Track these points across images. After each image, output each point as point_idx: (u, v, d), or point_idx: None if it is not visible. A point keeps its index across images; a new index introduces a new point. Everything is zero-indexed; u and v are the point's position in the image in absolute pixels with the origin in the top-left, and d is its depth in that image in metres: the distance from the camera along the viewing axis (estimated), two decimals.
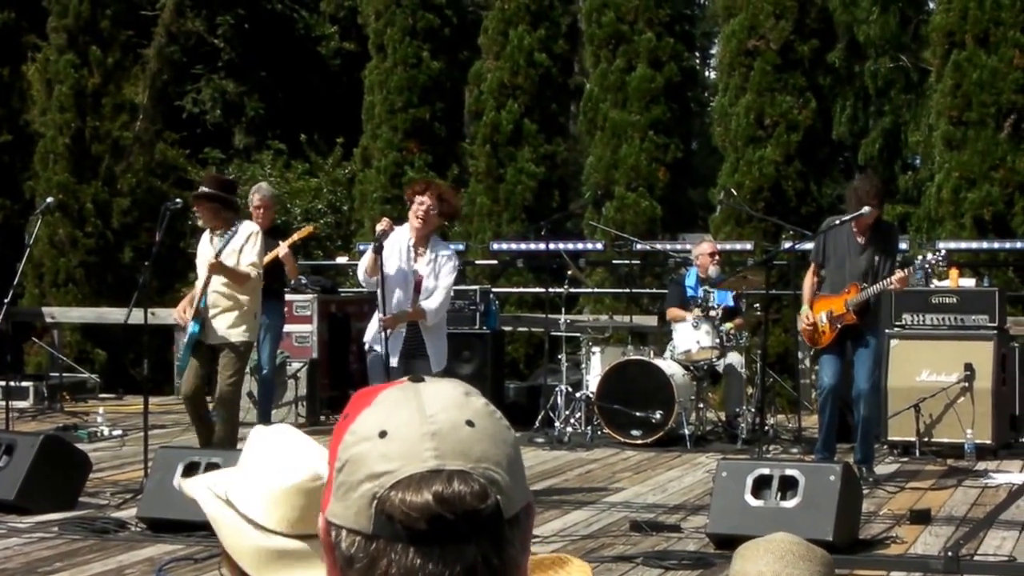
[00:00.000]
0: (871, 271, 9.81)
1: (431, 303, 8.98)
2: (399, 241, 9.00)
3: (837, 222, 9.87)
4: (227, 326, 9.57)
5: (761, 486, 7.74)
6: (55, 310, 16.00)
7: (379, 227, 8.91)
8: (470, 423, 1.40)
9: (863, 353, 9.87)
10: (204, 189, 9.67)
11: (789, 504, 7.62)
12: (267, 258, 10.57)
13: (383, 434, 1.38)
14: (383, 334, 8.85)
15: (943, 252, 10.19)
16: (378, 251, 8.80)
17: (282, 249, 11.40)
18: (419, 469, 1.36)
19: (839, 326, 9.85)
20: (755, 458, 9.11)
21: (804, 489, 7.61)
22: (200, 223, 9.71)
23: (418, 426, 1.38)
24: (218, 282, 9.56)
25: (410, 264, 9.03)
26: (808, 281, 10.16)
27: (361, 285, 9.51)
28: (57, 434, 10.73)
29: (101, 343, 15.72)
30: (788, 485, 7.69)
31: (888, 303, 11.32)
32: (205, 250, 9.72)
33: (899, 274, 9.65)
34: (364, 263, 8.97)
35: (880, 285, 9.74)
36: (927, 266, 10.09)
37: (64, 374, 15.28)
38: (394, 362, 8.90)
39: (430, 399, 1.41)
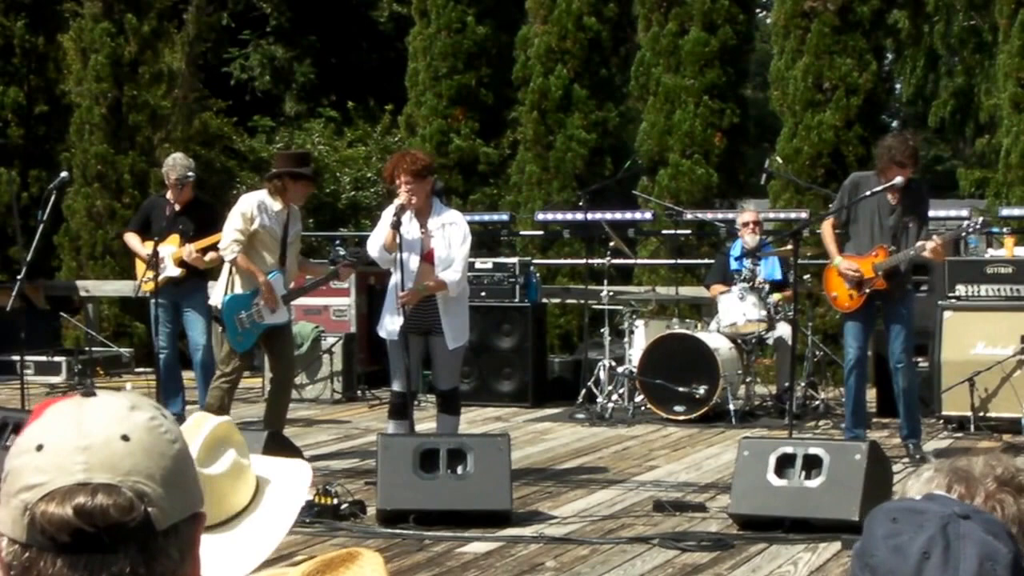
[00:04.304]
0: (900, 233, 9.41)
1: (451, 274, 8.71)
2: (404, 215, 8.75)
3: (868, 194, 9.34)
4: (286, 307, 9.74)
5: (785, 465, 7.61)
6: (89, 283, 15.87)
7: (397, 201, 8.66)
8: (125, 437, 1.46)
9: (897, 323, 9.54)
10: (305, 170, 9.55)
11: (813, 484, 7.50)
12: (203, 243, 10.44)
13: (40, 447, 1.46)
14: (400, 311, 8.59)
15: (979, 220, 9.80)
16: (396, 227, 8.56)
17: (187, 251, 10.65)
18: (67, 482, 1.43)
19: (867, 291, 9.45)
20: (790, 436, 8.80)
21: (829, 468, 7.47)
22: (292, 201, 9.49)
23: (72, 440, 1.45)
24: (292, 265, 9.62)
25: (416, 235, 8.78)
26: (829, 233, 9.61)
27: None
28: None
29: (140, 317, 15.54)
30: (812, 464, 7.55)
31: (941, 274, 11.00)
32: (275, 226, 9.44)
33: (934, 242, 9.21)
34: (379, 239, 8.71)
35: (912, 251, 9.32)
36: (963, 233, 9.68)
37: (100, 349, 15.12)
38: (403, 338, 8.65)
39: (90, 413, 1.48)
